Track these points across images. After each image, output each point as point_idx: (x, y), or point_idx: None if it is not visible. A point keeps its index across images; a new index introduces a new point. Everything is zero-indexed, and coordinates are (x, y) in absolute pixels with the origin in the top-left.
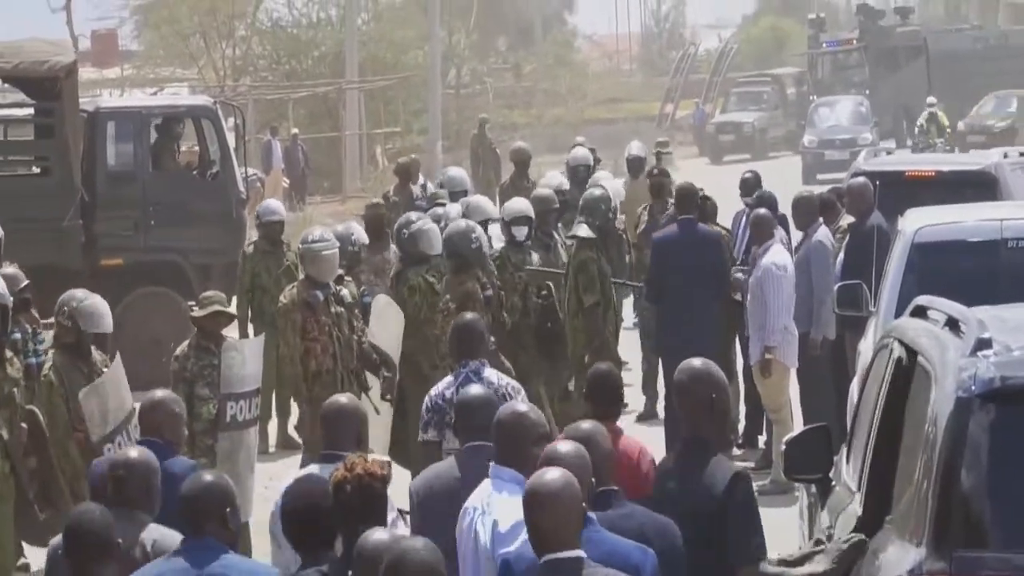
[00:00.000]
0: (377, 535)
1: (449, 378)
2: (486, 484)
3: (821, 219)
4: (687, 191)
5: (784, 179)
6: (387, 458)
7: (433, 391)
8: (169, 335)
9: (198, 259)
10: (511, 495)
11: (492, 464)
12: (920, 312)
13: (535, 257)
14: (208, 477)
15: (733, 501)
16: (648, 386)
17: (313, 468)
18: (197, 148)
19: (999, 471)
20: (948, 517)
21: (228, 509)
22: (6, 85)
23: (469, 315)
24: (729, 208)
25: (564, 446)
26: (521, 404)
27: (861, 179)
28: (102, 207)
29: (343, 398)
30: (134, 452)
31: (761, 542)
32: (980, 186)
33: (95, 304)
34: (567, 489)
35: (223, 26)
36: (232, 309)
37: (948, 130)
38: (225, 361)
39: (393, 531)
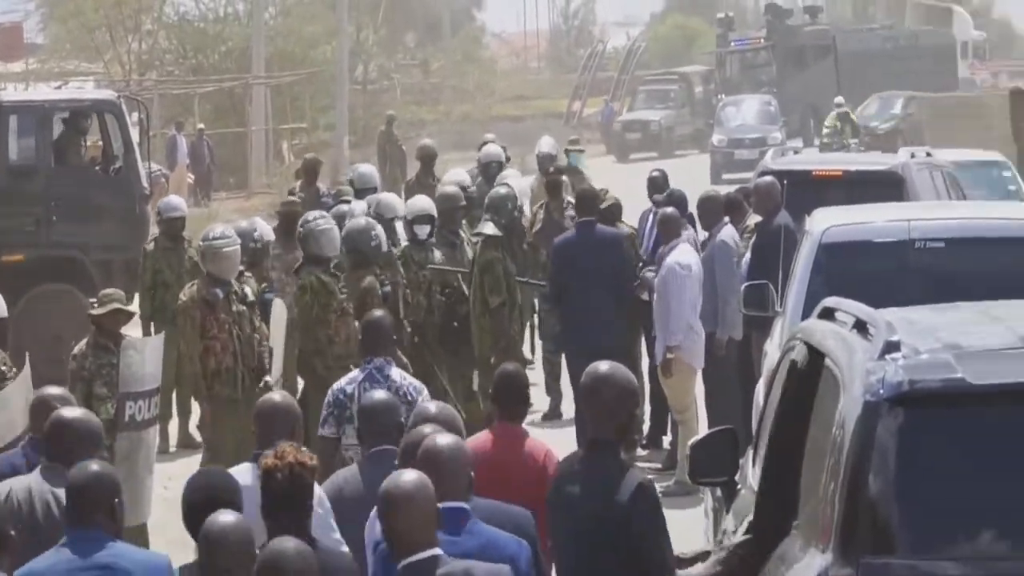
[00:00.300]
0: (224, 517)
1: (354, 373)
2: None
3: (727, 218)
4: (587, 194)
5: (692, 178)
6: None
7: (335, 386)
8: (70, 332)
9: (100, 255)
10: None
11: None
12: (828, 314)
13: (438, 255)
14: (95, 467)
15: (638, 512)
16: (551, 387)
17: (247, 466)
18: (100, 143)
19: (907, 476)
20: (855, 523)
21: (116, 500)
22: None
23: (377, 312)
24: (636, 206)
25: (442, 439)
26: (432, 404)
27: (768, 178)
28: (3, 202)
29: (277, 396)
30: (69, 412)
31: (670, 554)
32: (887, 186)
33: None
34: (421, 491)
35: (129, 20)
36: (132, 307)
37: (857, 128)
38: (124, 360)
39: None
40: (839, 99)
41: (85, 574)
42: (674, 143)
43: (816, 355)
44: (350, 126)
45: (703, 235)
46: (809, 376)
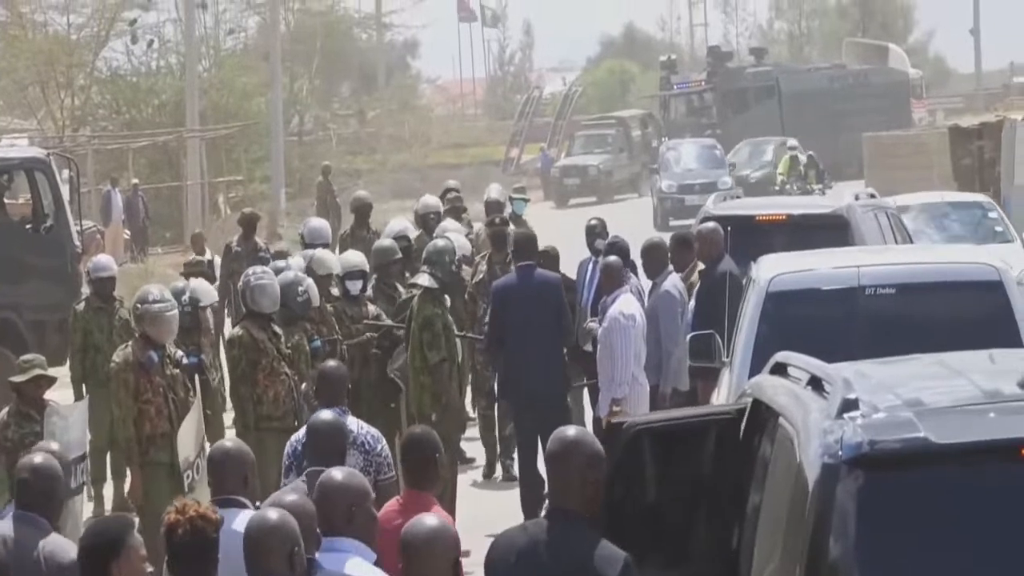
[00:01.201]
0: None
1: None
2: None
3: (671, 267)
4: (525, 238)
5: (634, 223)
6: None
7: (293, 438)
8: (3, 396)
9: (32, 315)
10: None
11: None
12: (780, 369)
13: (372, 309)
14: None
15: None
16: (487, 440)
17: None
18: (30, 201)
19: (869, 541)
20: None
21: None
22: None
23: (331, 362)
24: (575, 253)
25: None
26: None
27: (711, 224)
28: None
29: (228, 443)
30: (39, 457)
31: None
32: (831, 229)
33: None
34: (282, 528)
35: (62, 76)
36: (63, 369)
37: (821, 172)
38: (48, 428)
39: None
40: (792, 141)
41: None
42: (613, 188)
43: (769, 414)
44: (287, 177)
45: (647, 283)
46: (761, 436)
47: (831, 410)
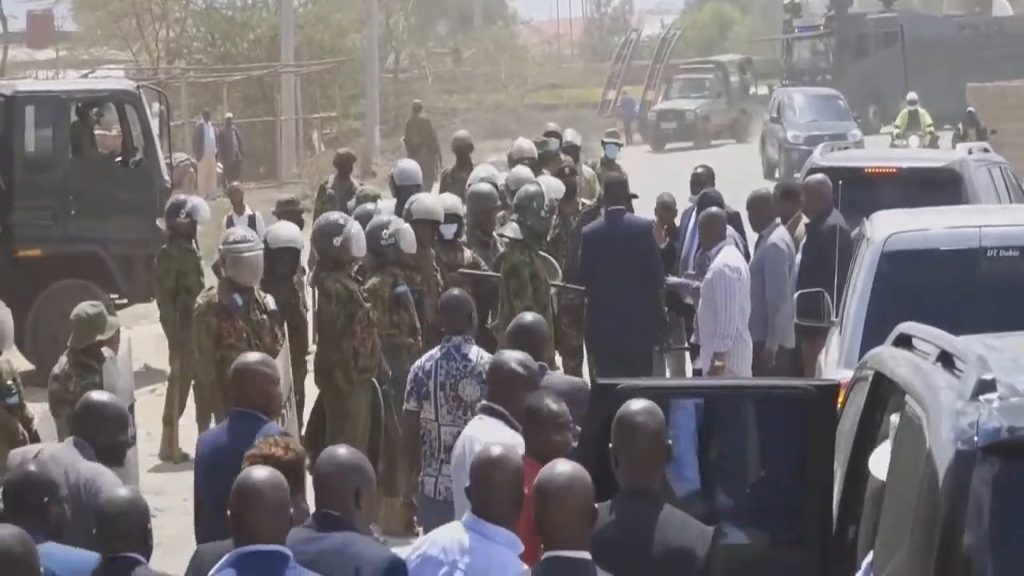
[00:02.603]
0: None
1: (432, 351)
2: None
3: (778, 219)
4: (616, 182)
5: (740, 172)
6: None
7: (416, 364)
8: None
9: (119, 250)
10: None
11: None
12: (904, 341)
13: (467, 255)
14: (31, 467)
15: (709, 566)
16: None
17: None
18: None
19: (1006, 534)
20: None
21: (46, 499)
22: None
23: (456, 290)
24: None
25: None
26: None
27: (819, 176)
28: (20, 196)
29: (251, 356)
30: (96, 395)
31: None
32: (944, 184)
33: None
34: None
35: (157, 7)
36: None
37: (930, 128)
38: (107, 379)
39: None
40: (912, 95)
41: None
42: (710, 133)
43: (894, 391)
44: (381, 115)
45: (752, 236)
46: (883, 412)
47: (965, 391)
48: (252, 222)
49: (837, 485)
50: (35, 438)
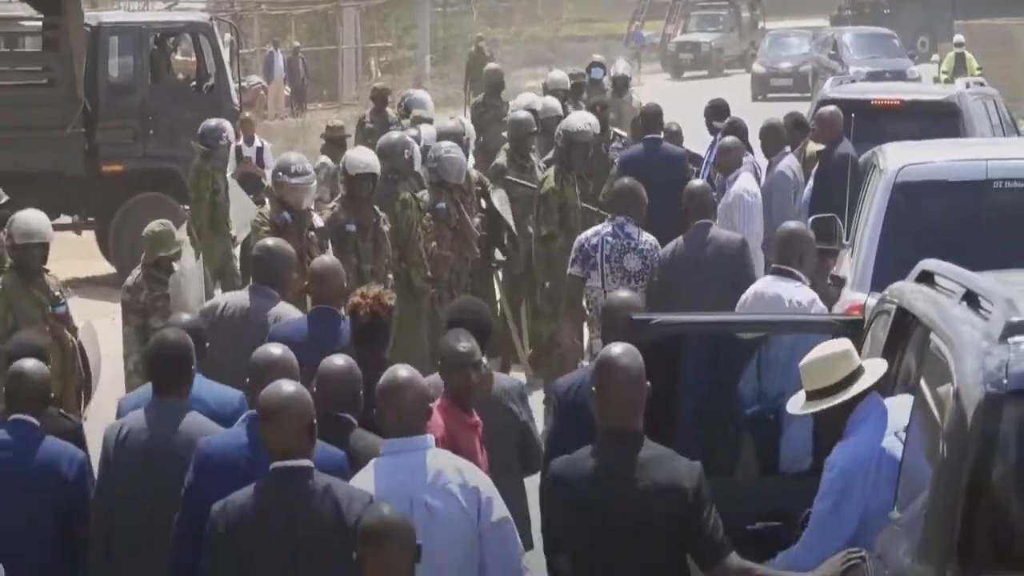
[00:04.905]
0: None
1: (599, 226)
2: None
3: (788, 148)
4: (653, 111)
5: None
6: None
7: (582, 236)
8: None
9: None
10: None
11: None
12: (926, 278)
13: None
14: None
15: (700, 499)
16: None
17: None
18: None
19: None
20: (975, 534)
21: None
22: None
23: (627, 179)
24: (694, 127)
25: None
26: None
27: (832, 107)
28: (103, 117)
29: (326, 259)
30: (271, 241)
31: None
32: (943, 116)
33: (26, 217)
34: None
35: None
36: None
37: (979, 71)
38: (174, 291)
39: None
40: (958, 37)
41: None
42: (723, 63)
43: (919, 327)
44: (431, 46)
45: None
46: (902, 346)
47: (993, 332)
48: (260, 153)
49: None
50: (80, 346)
